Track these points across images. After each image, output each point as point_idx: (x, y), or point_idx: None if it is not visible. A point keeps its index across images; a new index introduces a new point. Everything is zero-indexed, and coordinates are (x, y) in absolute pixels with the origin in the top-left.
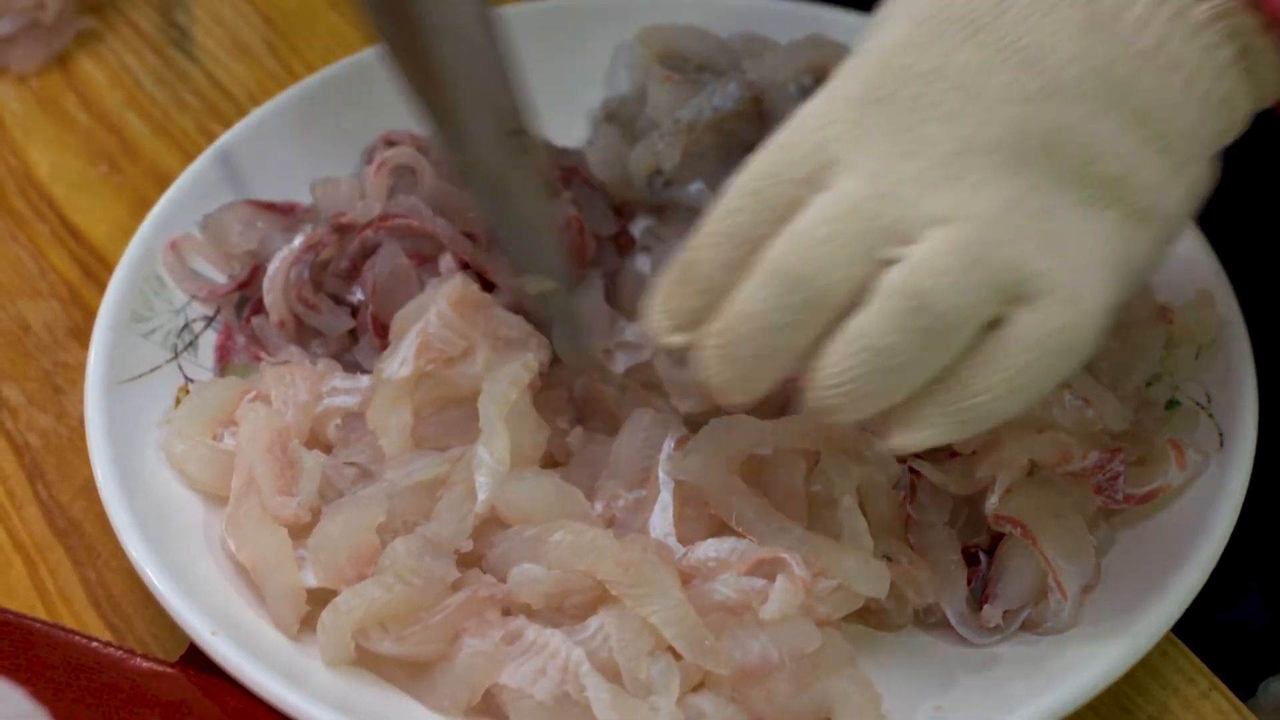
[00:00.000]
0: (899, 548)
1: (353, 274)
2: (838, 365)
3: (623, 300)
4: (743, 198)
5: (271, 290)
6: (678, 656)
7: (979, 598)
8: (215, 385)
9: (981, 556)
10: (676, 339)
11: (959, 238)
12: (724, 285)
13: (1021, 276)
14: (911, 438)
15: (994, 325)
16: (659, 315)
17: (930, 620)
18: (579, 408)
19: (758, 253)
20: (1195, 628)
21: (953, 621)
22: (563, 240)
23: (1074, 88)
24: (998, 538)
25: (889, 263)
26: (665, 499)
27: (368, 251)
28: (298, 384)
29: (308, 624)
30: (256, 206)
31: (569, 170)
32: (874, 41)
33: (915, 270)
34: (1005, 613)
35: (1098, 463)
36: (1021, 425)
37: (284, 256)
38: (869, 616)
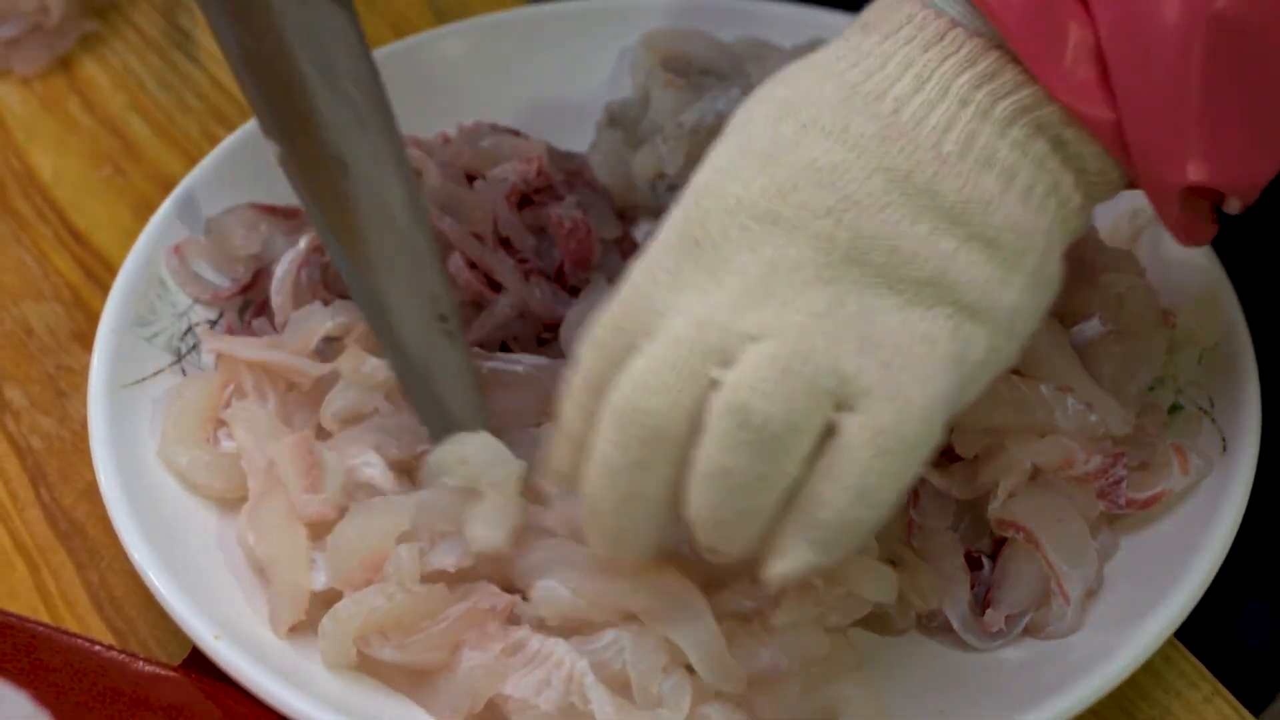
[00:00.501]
0: (902, 552)
1: None
2: (694, 499)
3: None
4: (590, 350)
5: (280, 292)
6: (691, 670)
7: (981, 602)
8: (192, 385)
9: (984, 561)
10: (563, 484)
11: (772, 350)
12: (588, 439)
13: (840, 380)
14: (782, 566)
15: (829, 434)
16: (550, 479)
17: (933, 625)
18: None
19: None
20: (1202, 642)
21: (955, 626)
22: (485, 424)
23: (876, 198)
24: (1000, 542)
25: (715, 385)
26: None
27: None
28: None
29: (312, 628)
30: (260, 210)
31: (572, 174)
32: (688, 187)
33: (734, 388)
34: (1008, 617)
35: (1100, 467)
36: (1024, 429)
37: (291, 258)
38: (872, 621)
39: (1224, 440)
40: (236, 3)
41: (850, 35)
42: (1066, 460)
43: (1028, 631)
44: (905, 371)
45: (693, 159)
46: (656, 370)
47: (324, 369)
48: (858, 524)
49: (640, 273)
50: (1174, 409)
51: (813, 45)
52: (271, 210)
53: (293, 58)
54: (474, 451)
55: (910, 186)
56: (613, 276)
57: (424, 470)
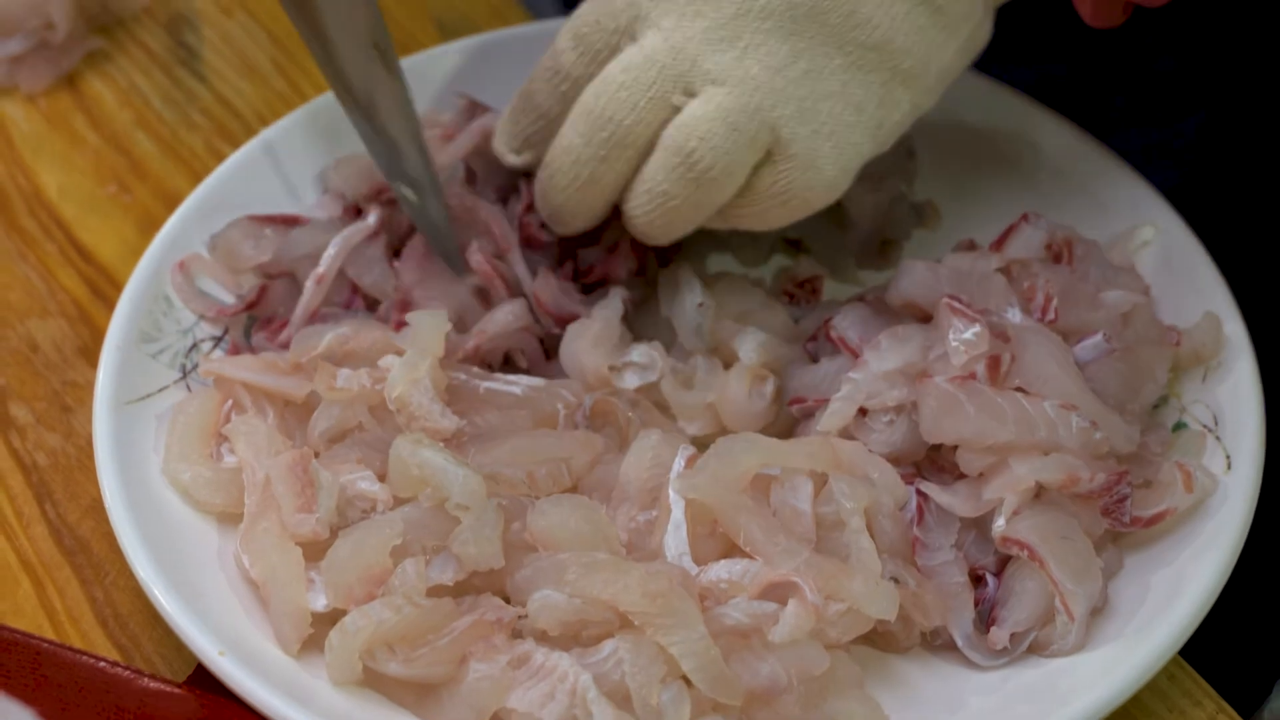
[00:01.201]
0: (906, 570)
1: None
2: (635, 202)
3: (636, 322)
4: (570, 39)
5: (326, 274)
6: (690, 684)
7: (986, 620)
8: (193, 401)
9: (989, 579)
10: (516, 159)
11: (725, 103)
12: (554, 115)
13: (775, 139)
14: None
15: (759, 165)
16: (502, 137)
17: (937, 642)
18: (588, 421)
19: (583, 87)
20: (1195, 646)
21: (960, 644)
22: (424, 150)
23: None
24: (1005, 560)
25: (675, 110)
26: (678, 518)
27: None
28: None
29: (316, 644)
30: (259, 220)
31: None
32: None
33: (685, 130)
34: (1012, 635)
35: (1105, 485)
36: (1028, 447)
37: (348, 237)
38: (876, 638)
39: (1228, 458)
40: None
41: None
42: (1071, 478)
43: (1032, 649)
44: (828, 141)
45: None
46: (626, 86)
47: (307, 388)
48: (753, 229)
49: None
50: (1178, 427)
51: None
52: (270, 219)
53: None
54: (431, 473)
55: None
56: (631, 298)
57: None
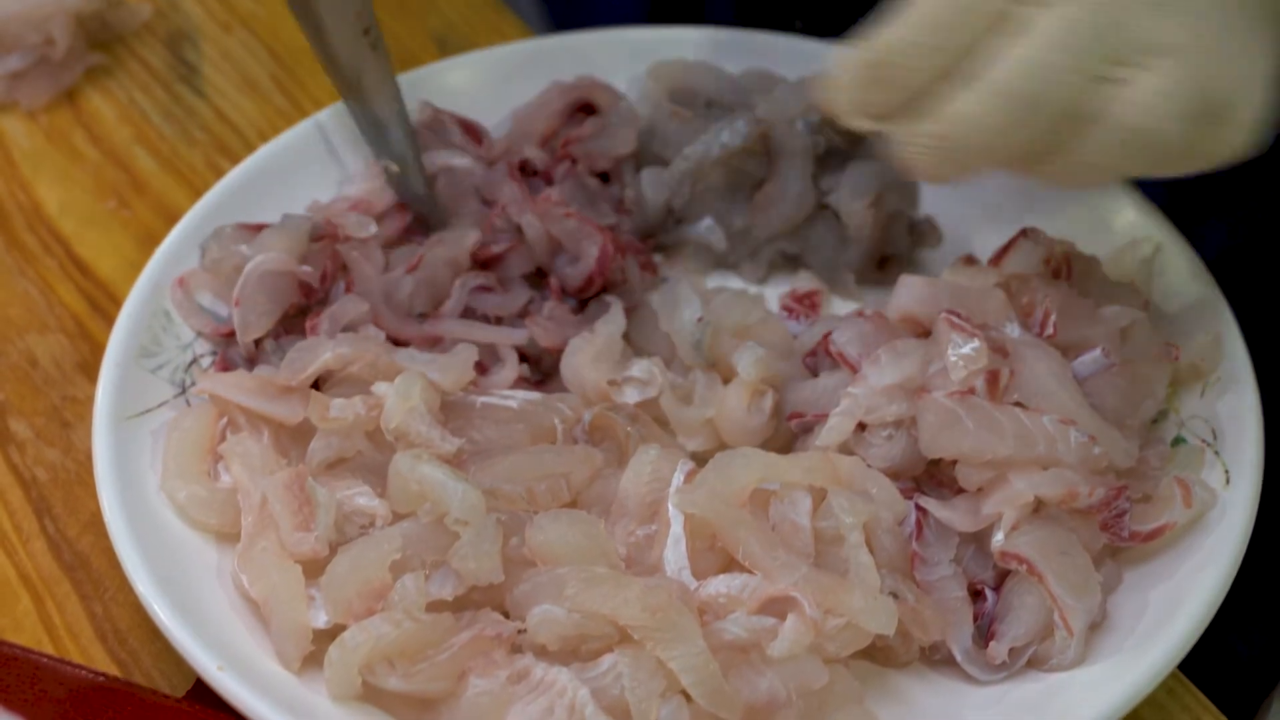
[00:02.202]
0: (905, 585)
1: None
2: (1063, 165)
3: (635, 336)
4: (952, 12)
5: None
6: (689, 699)
7: (985, 634)
8: (188, 418)
9: (988, 593)
10: (867, 124)
11: (1179, 75)
12: (928, 90)
13: (1226, 104)
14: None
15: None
16: (852, 106)
17: (936, 657)
18: (587, 435)
19: (970, 63)
20: (1193, 655)
21: (959, 659)
22: (409, 127)
23: None
24: (1004, 574)
25: (1117, 82)
26: (677, 532)
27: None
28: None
29: (316, 659)
30: (248, 229)
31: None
32: None
33: (1140, 110)
34: (1011, 649)
35: (1104, 500)
36: (1027, 462)
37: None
38: (875, 653)
39: (1227, 473)
40: None
41: None
42: (1070, 493)
43: (1031, 664)
44: (1262, 101)
45: (698, 191)
46: (1057, 65)
47: (300, 414)
48: None
49: None
50: (1177, 441)
51: (817, 78)
52: (258, 228)
53: None
54: (430, 488)
55: None
56: (627, 308)
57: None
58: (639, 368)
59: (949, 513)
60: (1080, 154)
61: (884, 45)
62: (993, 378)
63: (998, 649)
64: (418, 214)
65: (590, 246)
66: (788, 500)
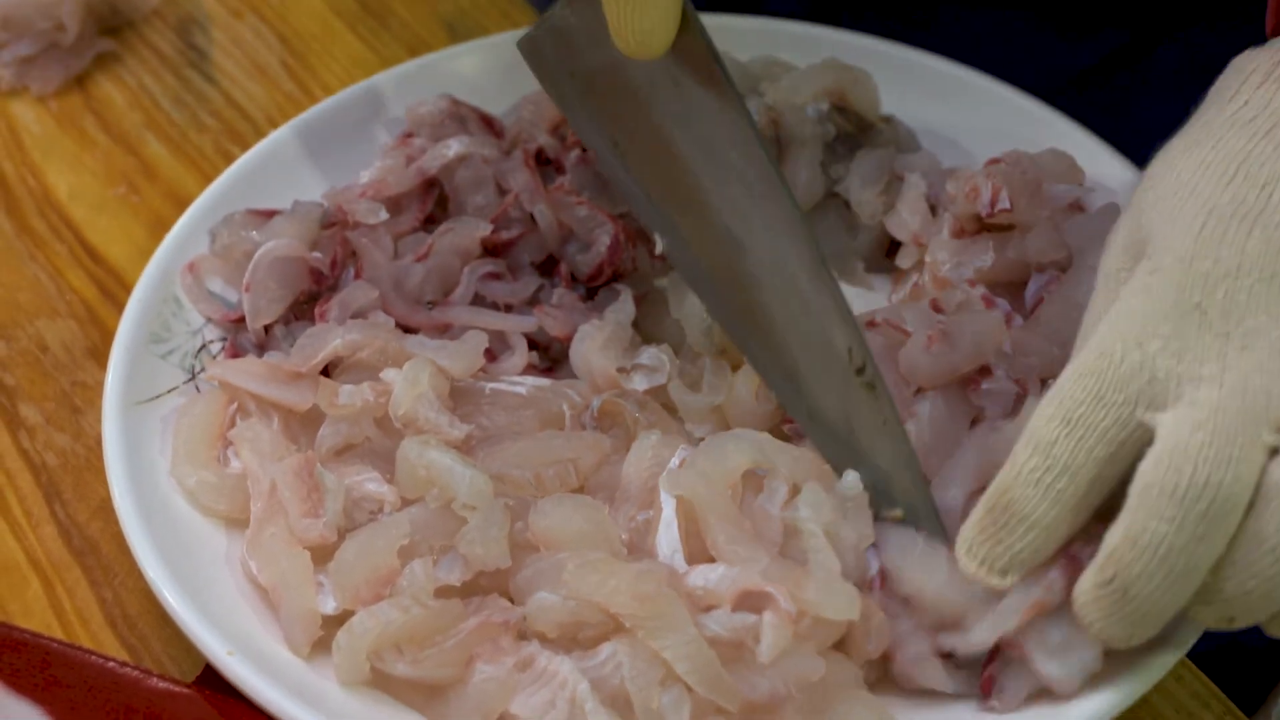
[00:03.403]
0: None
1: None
2: (1247, 572)
3: (645, 324)
4: (1060, 426)
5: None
6: (690, 688)
7: (981, 673)
8: (197, 404)
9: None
10: (1001, 581)
11: None
12: (1049, 521)
13: None
14: None
15: None
16: (974, 557)
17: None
18: (595, 422)
19: (1090, 479)
20: (1200, 646)
21: (946, 690)
22: (918, 471)
23: None
24: None
25: (1273, 452)
26: (668, 515)
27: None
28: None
29: (325, 645)
30: (258, 215)
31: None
32: (1159, 258)
33: None
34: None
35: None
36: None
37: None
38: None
39: None
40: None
41: (1229, 89)
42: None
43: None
44: None
45: None
46: (1212, 442)
47: (310, 401)
48: None
49: (1119, 341)
50: None
51: (828, 65)
52: (268, 214)
53: (671, 139)
54: (438, 474)
55: None
56: (637, 295)
57: None
58: (648, 355)
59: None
60: (1270, 539)
61: (1002, 482)
62: None
63: (999, 705)
64: None
65: (602, 235)
66: (768, 487)
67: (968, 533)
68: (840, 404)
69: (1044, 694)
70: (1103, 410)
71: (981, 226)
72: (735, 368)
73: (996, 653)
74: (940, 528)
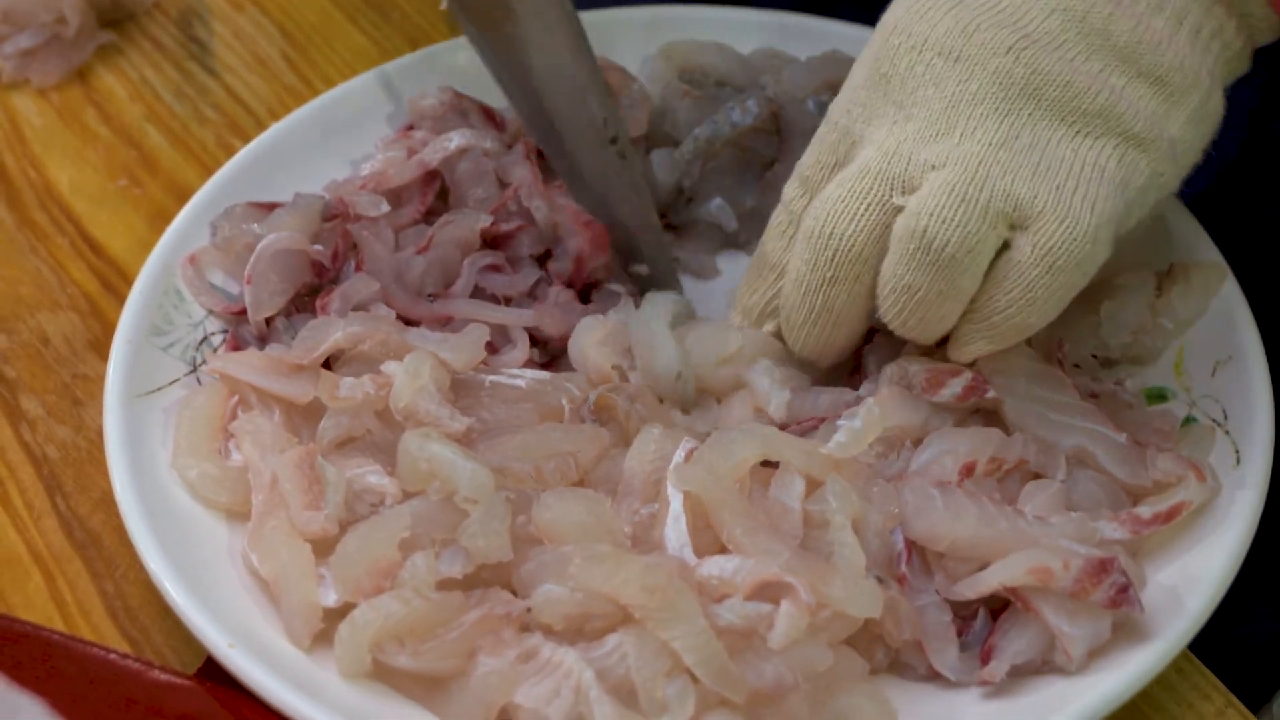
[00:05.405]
0: (888, 576)
1: None
2: (883, 308)
3: None
4: (795, 185)
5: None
6: (695, 679)
7: (980, 650)
8: (199, 396)
9: (980, 612)
10: (761, 328)
11: (950, 179)
12: (791, 270)
13: (1013, 204)
14: (962, 354)
15: (1003, 250)
16: (741, 308)
17: (913, 676)
18: (592, 415)
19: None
20: (1205, 640)
21: (949, 676)
22: (660, 233)
23: (1052, 37)
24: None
25: (898, 210)
26: (676, 509)
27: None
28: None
29: (326, 637)
30: (259, 207)
31: None
32: (876, 30)
33: (915, 214)
34: (1010, 669)
35: (1087, 572)
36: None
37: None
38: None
39: (1237, 453)
40: None
41: None
42: (1042, 570)
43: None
44: (1076, 194)
45: (709, 171)
46: (846, 199)
47: (311, 394)
48: (1026, 326)
49: (838, 109)
50: (1187, 421)
51: (828, 57)
52: (270, 206)
53: None
54: (439, 467)
55: (1085, 26)
56: (631, 293)
57: None
58: None
59: (929, 581)
60: (889, 280)
61: (761, 240)
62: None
63: (997, 668)
64: None
65: (572, 241)
66: (781, 481)
67: (738, 290)
68: (596, 167)
69: (1046, 670)
70: (820, 171)
71: None
72: (719, 397)
73: (1000, 619)
74: (677, 283)
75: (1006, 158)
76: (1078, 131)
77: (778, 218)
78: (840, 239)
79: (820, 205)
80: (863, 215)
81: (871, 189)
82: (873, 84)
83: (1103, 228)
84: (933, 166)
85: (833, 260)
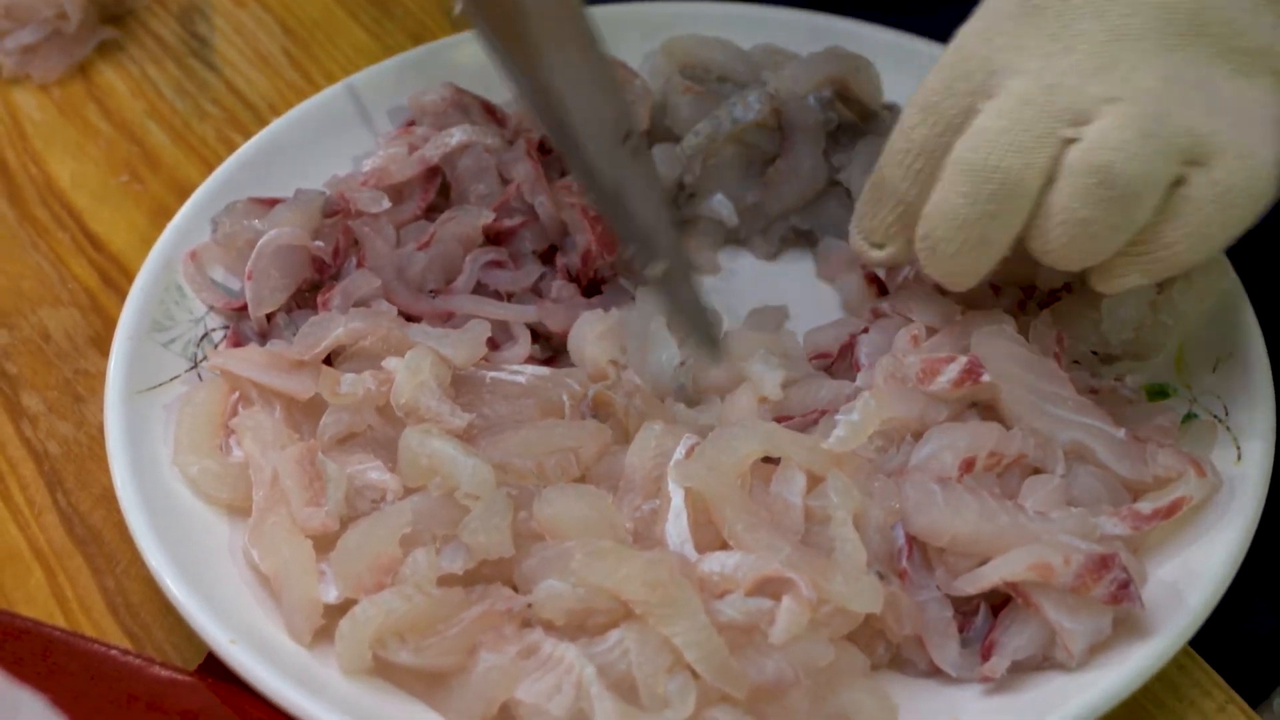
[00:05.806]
0: (889, 571)
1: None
2: (1049, 241)
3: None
4: (918, 113)
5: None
6: (696, 675)
7: (981, 644)
8: (200, 392)
9: (982, 607)
10: (878, 255)
11: (1130, 112)
12: (913, 198)
13: (1194, 140)
14: (1111, 285)
15: (1177, 184)
16: (860, 234)
17: (913, 672)
18: (592, 411)
19: (942, 159)
20: (1205, 636)
21: (950, 672)
22: (675, 230)
23: None
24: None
25: (1069, 142)
26: (678, 506)
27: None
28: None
29: (327, 634)
30: (260, 203)
31: None
32: None
33: (1096, 148)
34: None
35: (1088, 568)
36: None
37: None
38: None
39: (1238, 449)
40: None
41: None
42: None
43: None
44: (1251, 132)
45: (710, 166)
46: (1007, 130)
47: (311, 390)
48: (1188, 262)
49: (973, 37)
50: (1188, 418)
51: (829, 53)
52: (271, 202)
53: None
54: (440, 463)
55: None
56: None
57: None
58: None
59: (929, 577)
60: (1059, 212)
61: (878, 164)
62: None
63: (998, 663)
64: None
65: (579, 238)
66: (782, 476)
67: (857, 211)
68: (611, 167)
69: (1046, 666)
70: (951, 99)
71: None
72: (720, 393)
73: (1001, 614)
74: (696, 280)
75: (1180, 92)
76: (1237, 70)
77: (896, 144)
78: (1006, 172)
79: (977, 137)
80: (1030, 148)
81: (1037, 120)
82: (1022, 15)
83: (1275, 165)
84: (1107, 100)
85: (996, 195)
